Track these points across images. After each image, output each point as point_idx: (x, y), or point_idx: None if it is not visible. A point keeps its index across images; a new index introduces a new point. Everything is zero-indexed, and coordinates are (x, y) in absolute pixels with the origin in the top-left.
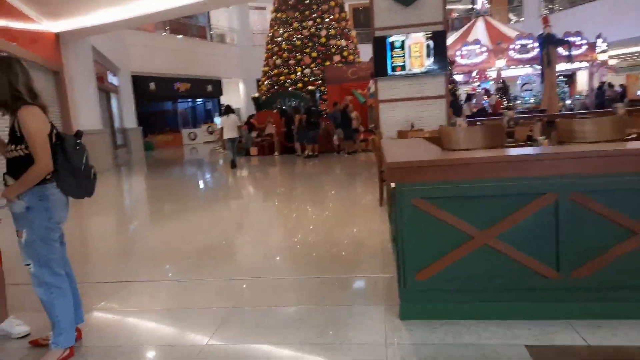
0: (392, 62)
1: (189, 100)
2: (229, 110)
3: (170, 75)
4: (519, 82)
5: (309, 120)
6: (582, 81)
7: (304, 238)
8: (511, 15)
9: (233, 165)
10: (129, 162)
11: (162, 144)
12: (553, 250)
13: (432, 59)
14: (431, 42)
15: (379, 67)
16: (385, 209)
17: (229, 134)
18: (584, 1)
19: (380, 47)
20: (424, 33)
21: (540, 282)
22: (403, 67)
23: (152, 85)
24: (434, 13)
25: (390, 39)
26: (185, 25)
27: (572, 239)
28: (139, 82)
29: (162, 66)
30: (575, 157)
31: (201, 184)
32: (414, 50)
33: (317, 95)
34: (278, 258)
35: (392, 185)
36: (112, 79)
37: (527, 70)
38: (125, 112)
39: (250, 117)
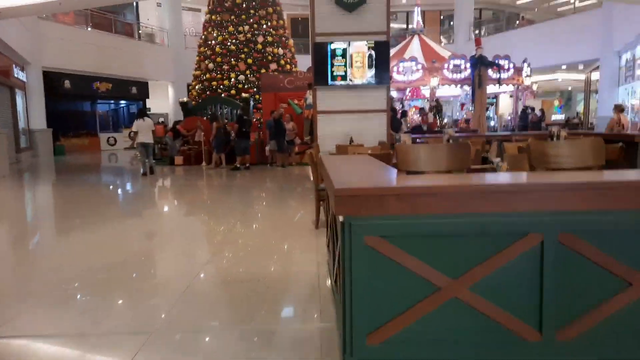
0: (332, 71)
1: (111, 102)
2: (143, 113)
3: (89, 73)
4: (460, 99)
5: (241, 130)
6: (505, 104)
7: (223, 269)
8: (442, 38)
9: (144, 173)
10: (33, 168)
11: (76, 148)
12: (536, 305)
13: (373, 71)
14: (373, 53)
15: (319, 75)
16: (321, 233)
17: (143, 138)
18: (510, 28)
19: (321, 53)
20: (367, 42)
21: (519, 347)
22: (344, 77)
23: (67, 83)
24: (377, 22)
25: (332, 46)
26: (110, 20)
27: (559, 291)
28: (52, 79)
29: (80, 63)
30: (569, 188)
31: (109, 196)
32: (355, 59)
33: (252, 103)
34: (188, 300)
35: (340, 218)
36: (19, 74)
37: (457, 90)
38: (33, 112)
39: (177, 122)
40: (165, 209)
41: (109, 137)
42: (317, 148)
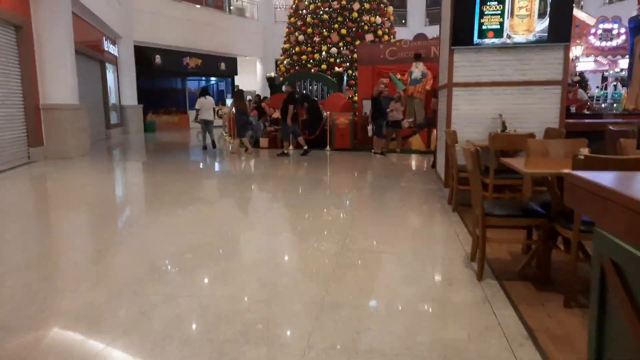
0: (481, 23)
1: (201, 78)
2: (205, 91)
3: (179, 48)
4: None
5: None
6: None
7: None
8: None
9: (205, 147)
10: (119, 145)
11: (166, 125)
12: None
13: (546, 21)
14: None
15: (459, 31)
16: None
17: (204, 115)
18: None
19: None
20: None
21: None
22: (498, 32)
23: (157, 59)
24: None
25: None
26: None
27: None
28: (143, 54)
29: (171, 37)
30: None
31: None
32: (519, 3)
33: (345, 78)
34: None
35: None
36: (109, 47)
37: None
38: (124, 87)
39: (261, 99)
40: (259, 196)
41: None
42: (452, 135)
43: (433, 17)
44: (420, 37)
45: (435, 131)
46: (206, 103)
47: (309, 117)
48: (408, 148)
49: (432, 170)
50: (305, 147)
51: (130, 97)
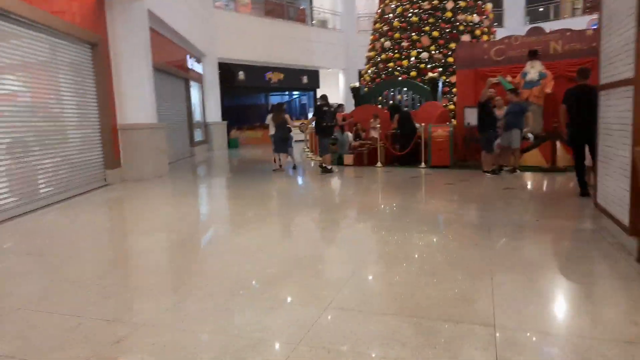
0: None
1: (284, 93)
2: (278, 107)
3: (261, 63)
4: None
5: (320, 124)
6: None
7: None
8: None
9: (275, 169)
10: (203, 163)
11: (249, 140)
12: None
13: None
14: None
15: None
16: None
17: (274, 131)
18: None
19: None
20: None
21: None
22: None
23: (240, 75)
24: None
25: None
26: (282, 6)
27: None
28: (226, 71)
29: (253, 53)
30: None
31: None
32: None
33: (440, 85)
34: None
35: None
36: (193, 65)
37: None
38: (209, 104)
39: (336, 109)
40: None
41: (290, 130)
42: None
43: (534, 16)
44: (535, 31)
45: (585, 148)
46: (288, 118)
47: (400, 130)
48: (523, 164)
49: (581, 198)
50: (330, 167)
51: (214, 114)
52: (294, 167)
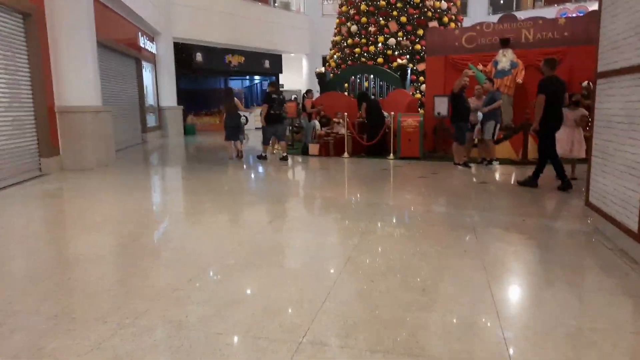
0: None
1: (244, 77)
2: (226, 92)
3: (221, 45)
4: None
5: (269, 112)
6: None
7: None
8: None
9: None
10: (156, 150)
11: (207, 127)
12: None
13: None
14: None
15: None
16: None
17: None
18: None
19: None
20: None
21: None
22: None
23: (198, 56)
24: None
25: None
26: None
27: None
28: (183, 51)
29: (213, 34)
30: None
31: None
32: None
33: (408, 72)
34: None
35: None
36: (146, 44)
37: None
38: (163, 87)
39: (306, 93)
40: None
41: (241, 116)
42: None
43: (497, 6)
44: (507, 18)
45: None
46: (239, 104)
47: (369, 120)
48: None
49: (562, 193)
50: (285, 154)
51: (169, 97)
52: (284, 158)
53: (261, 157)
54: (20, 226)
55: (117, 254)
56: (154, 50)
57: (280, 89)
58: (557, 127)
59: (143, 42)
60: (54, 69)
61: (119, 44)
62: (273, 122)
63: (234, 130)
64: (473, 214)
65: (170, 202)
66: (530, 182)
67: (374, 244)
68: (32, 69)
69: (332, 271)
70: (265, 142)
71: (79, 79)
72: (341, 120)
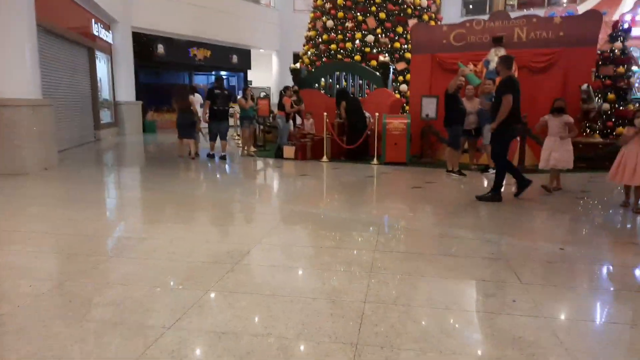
0: None
1: (210, 73)
2: (193, 89)
3: (185, 37)
4: None
5: (212, 109)
6: None
7: None
8: None
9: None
10: (110, 150)
11: (168, 124)
12: None
13: None
14: None
15: None
16: None
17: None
18: None
19: None
20: None
21: None
22: None
23: (160, 48)
24: None
25: None
26: None
27: None
28: (143, 42)
29: (176, 24)
30: None
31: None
32: None
33: (391, 71)
34: None
35: None
36: (100, 32)
37: None
38: (120, 80)
39: (283, 90)
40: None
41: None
42: None
43: (469, 9)
44: (499, 15)
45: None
46: (193, 101)
47: (349, 121)
48: (484, 163)
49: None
50: (223, 154)
51: (127, 92)
52: (222, 157)
53: (210, 156)
54: None
55: (23, 314)
56: (109, 40)
57: (250, 86)
58: (516, 134)
59: (97, 29)
60: None
61: (69, 31)
62: (216, 118)
63: (189, 128)
64: (498, 239)
65: (114, 214)
66: (492, 197)
67: (388, 312)
68: None
69: None
70: (211, 139)
71: (11, 68)
72: (311, 120)
